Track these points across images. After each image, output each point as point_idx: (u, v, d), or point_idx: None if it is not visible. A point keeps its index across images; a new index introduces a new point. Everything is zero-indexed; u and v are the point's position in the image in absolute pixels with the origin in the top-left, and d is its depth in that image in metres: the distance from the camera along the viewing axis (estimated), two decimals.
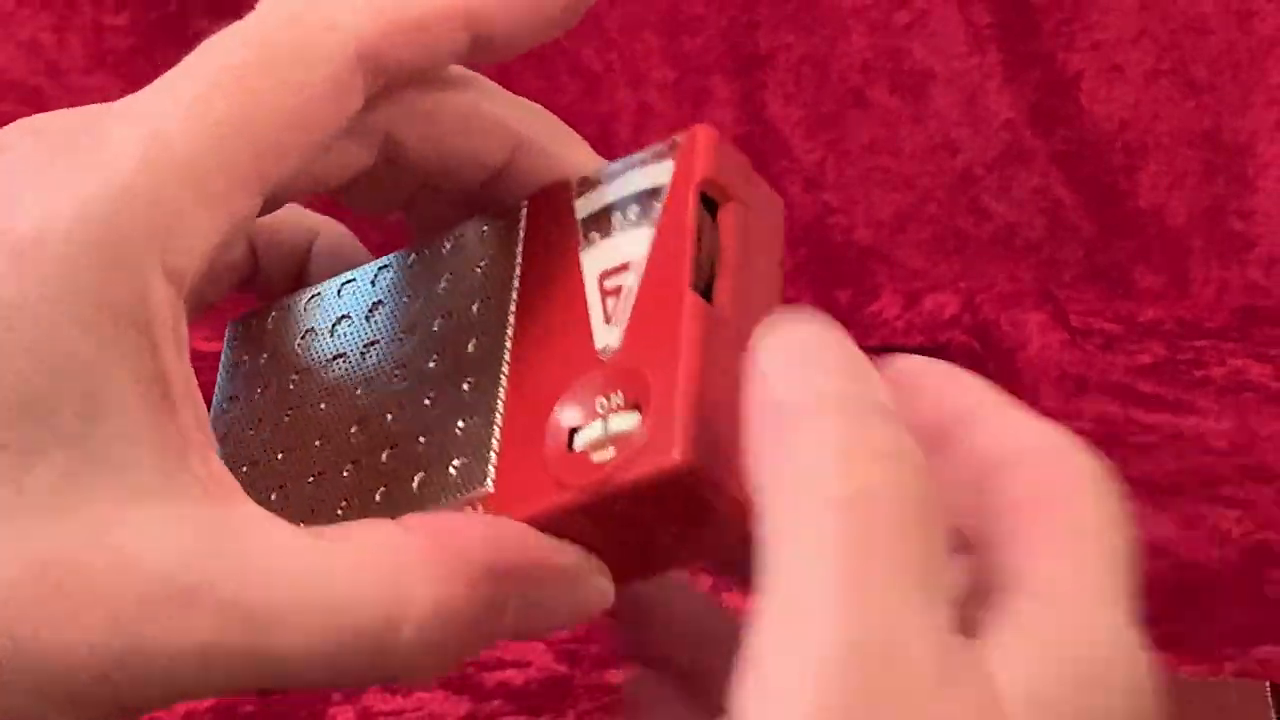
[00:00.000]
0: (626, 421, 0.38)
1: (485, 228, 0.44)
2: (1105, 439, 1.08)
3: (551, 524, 0.39)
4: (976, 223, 1.26)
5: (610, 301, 0.40)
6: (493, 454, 0.40)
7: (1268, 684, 0.75)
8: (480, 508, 0.40)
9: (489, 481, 0.40)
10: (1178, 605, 0.88)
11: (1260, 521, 0.95)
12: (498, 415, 0.41)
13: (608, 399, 0.39)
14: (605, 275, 0.41)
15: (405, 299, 0.44)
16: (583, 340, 0.40)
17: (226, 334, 0.46)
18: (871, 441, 0.34)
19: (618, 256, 0.41)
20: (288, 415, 0.44)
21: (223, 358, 0.46)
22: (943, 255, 1.25)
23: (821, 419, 0.34)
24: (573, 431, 0.39)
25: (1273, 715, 0.74)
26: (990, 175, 1.26)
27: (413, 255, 0.44)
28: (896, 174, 1.26)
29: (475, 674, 0.80)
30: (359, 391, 0.43)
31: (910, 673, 0.32)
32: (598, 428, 0.39)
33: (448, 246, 0.44)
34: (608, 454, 0.38)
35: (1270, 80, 1.25)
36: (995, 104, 1.26)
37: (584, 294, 0.41)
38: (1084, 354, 1.16)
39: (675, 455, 0.37)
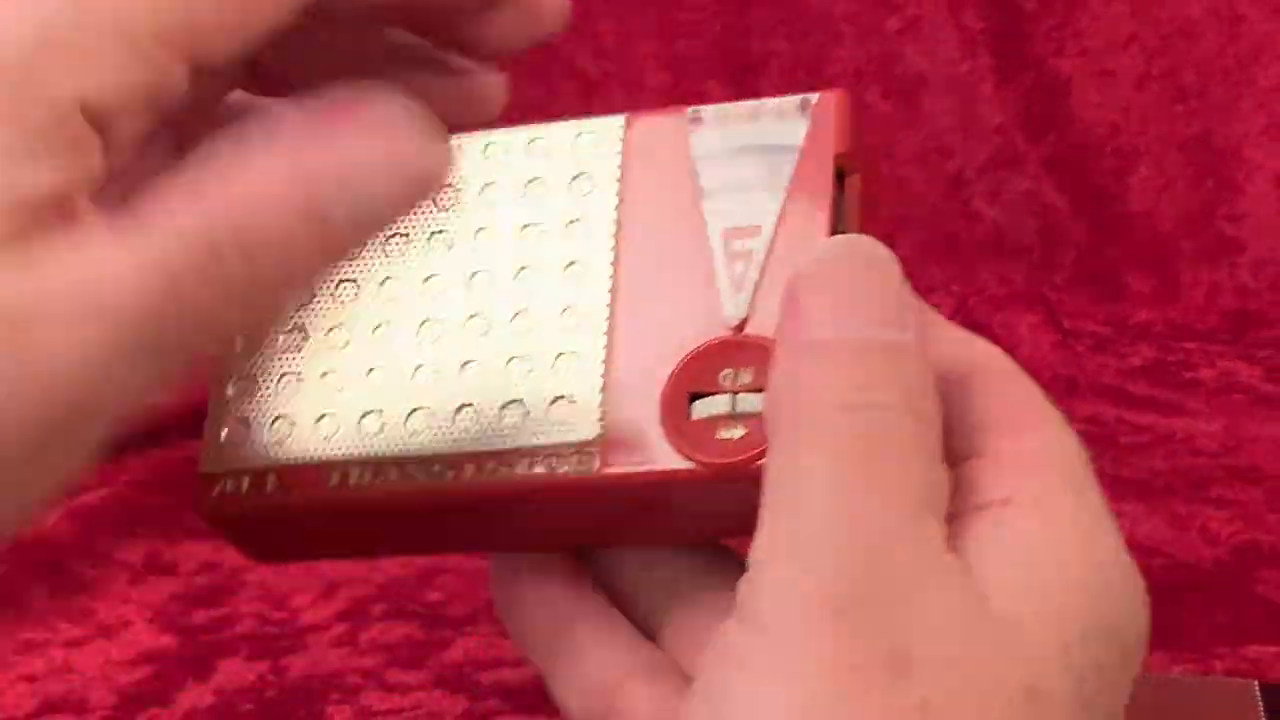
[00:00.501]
0: (757, 403, 0.38)
1: (578, 135, 0.41)
2: (1097, 440, 1.08)
3: (664, 488, 0.38)
4: (968, 226, 1.26)
5: (738, 266, 0.39)
6: (600, 398, 0.39)
7: (1256, 683, 0.75)
8: (594, 455, 0.39)
9: (597, 427, 0.39)
10: (1168, 604, 0.88)
11: (1250, 522, 0.95)
12: (602, 356, 0.39)
13: (734, 373, 0.38)
14: (730, 234, 0.39)
15: (477, 194, 0.42)
16: (707, 302, 0.39)
17: None
18: (882, 371, 0.36)
19: (746, 217, 0.39)
20: (338, 290, 0.41)
21: None
22: (935, 258, 1.25)
23: (838, 353, 0.36)
24: (692, 396, 0.38)
25: (1261, 713, 0.74)
26: (982, 179, 1.26)
27: (486, 140, 0.42)
28: (889, 178, 1.26)
29: (472, 673, 0.80)
30: (421, 286, 0.41)
31: (895, 575, 0.34)
32: (724, 403, 0.38)
33: (528, 144, 0.42)
34: (735, 433, 0.38)
35: (1258, 85, 1.25)
36: (987, 109, 1.26)
37: (707, 249, 0.40)
38: (1075, 356, 1.16)
39: None
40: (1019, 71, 1.26)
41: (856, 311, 0.36)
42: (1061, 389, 1.12)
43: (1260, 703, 0.75)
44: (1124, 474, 1.00)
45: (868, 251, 0.37)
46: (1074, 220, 1.25)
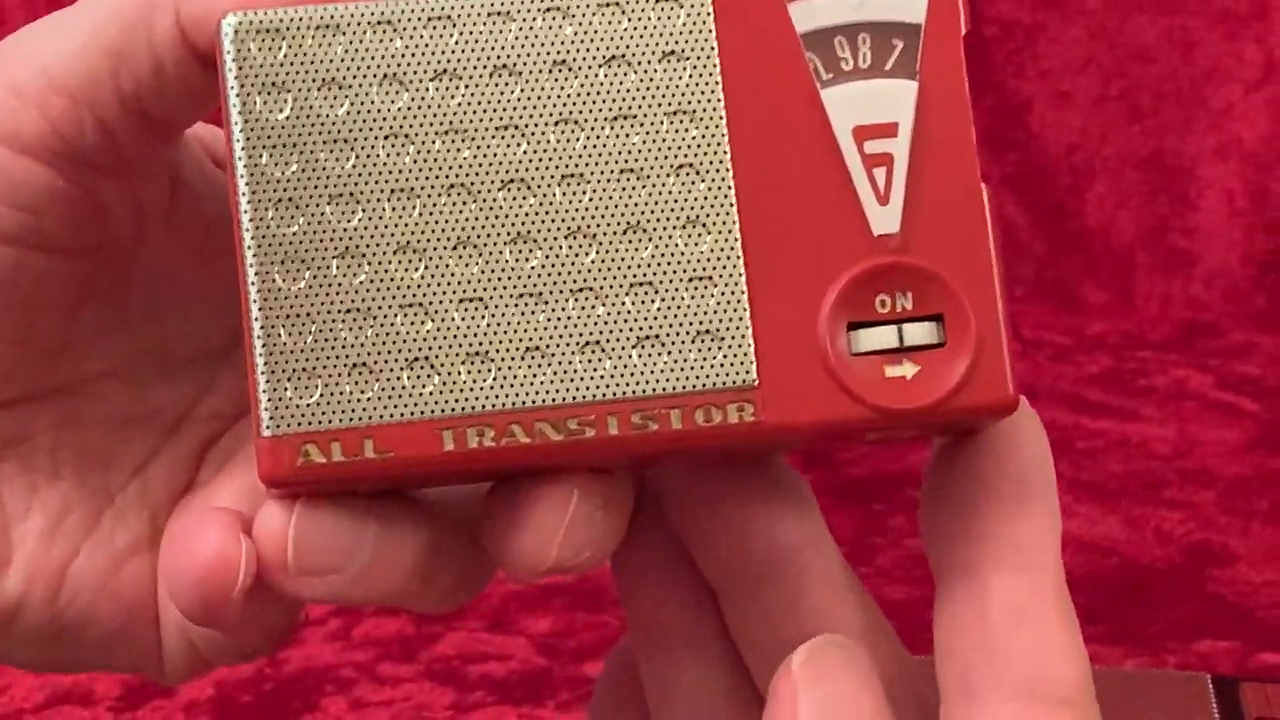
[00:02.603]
0: (925, 334, 0.33)
1: (657, 2, 0.33)
2: (1055, 445, 1.07)
3: (832, 431, 0.33)
4: None
5: (878, 173, 0.33)
6: (750, 332, 0.33)
7: (1208, 676, 0.76)
8: (755, 401, 0.33)
9: (753, 369, 0.33)
10: (1123, 602, 0.89)
11: (1201, 522, 0.95)
12: (742, 281, 0.33)
13: (891, 298, 0.33)
14: (864, 134, 0.33)
15: (545, 73, 0.33)
16: (852, 218, 0.33)
17: (223, 34, 0.33)
18: None
19: (878, 111, 0.33)
20: (394, 201, 0.33)
21: (228, 69, 0.33)
22: None
23: None
24: (849, 327, 0.33)
25: (1213, 706, 0.74)
26: None
27: (538, 6, 0.33)
28: None
29: (461, 666, 0.80)
30: (500, 194, 0.33)
31: None
32: (889, 335, 0.33)
33: (599, 8, 0.33)
34: (907, 371, 0.33)
35: (1210, 106, 1.26)
36: None
37: (839, 153, 0.33)
38: (1035, 364, 1.16)
39: (1009, 391, 0.34)
40: (981, 93, 1.26)
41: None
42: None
43: (1212, 695, 0.75)
44: (1081, 477, 1.01)
45: (858, 662, 0.35)
46: (1033, 235, 1.26)
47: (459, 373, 0.33)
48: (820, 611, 0.37)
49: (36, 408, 0.39)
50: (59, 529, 0.39)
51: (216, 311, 0.40)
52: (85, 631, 0.39)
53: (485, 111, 0.33)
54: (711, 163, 0.33)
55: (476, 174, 0.33)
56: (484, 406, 0.33)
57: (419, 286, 0.33)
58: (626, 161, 0.33)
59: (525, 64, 0.33)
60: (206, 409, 0.41)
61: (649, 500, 0.38)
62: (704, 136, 0.33)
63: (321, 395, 0.33)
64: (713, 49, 0.33)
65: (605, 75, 0.33)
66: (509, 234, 0.33)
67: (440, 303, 0.33)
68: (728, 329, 0.33)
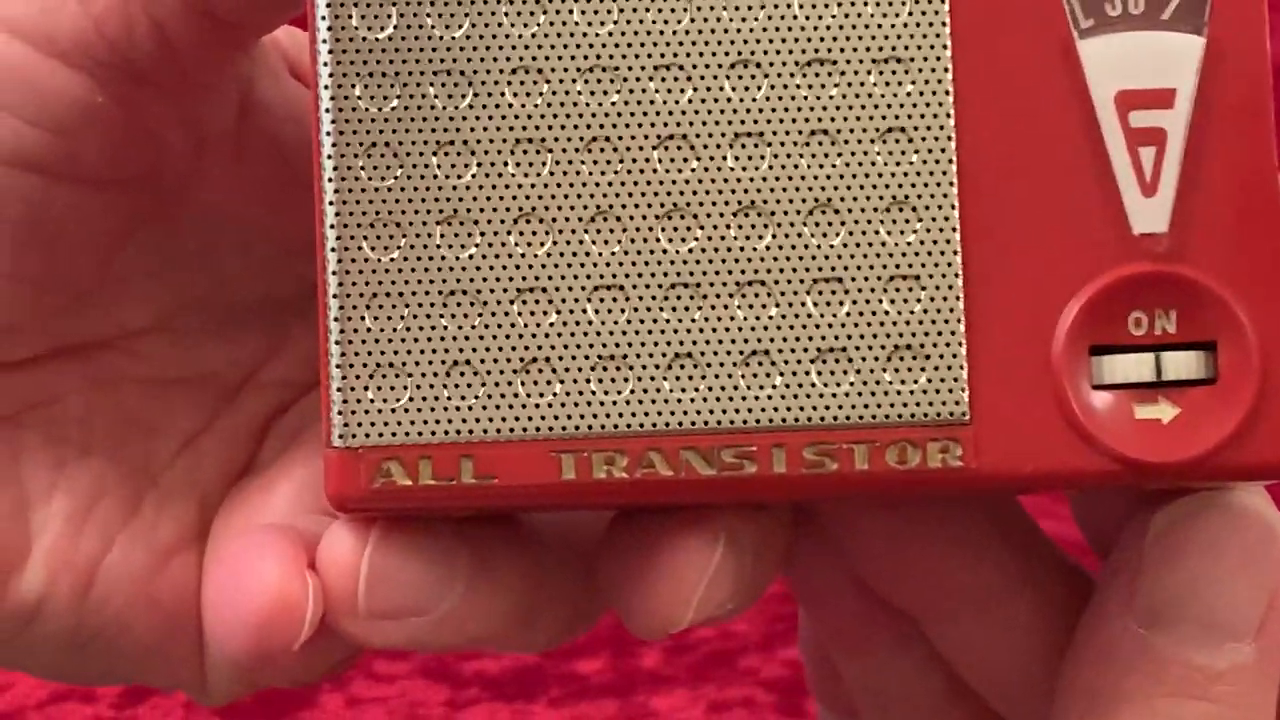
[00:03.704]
0: (1191, 366, 0.26)
1: None
2: None
3: (1057, 484, 0.27)
4: None
5: (1145, 155, 0.26)
6: (963, 352, 0.26)
7: None
8: (964, 441, 0.26)
9: (965, 400, 0.26)
10: None
11: None
12: (958, 283, 0.26)
13: (1149, 316, 0.26)
14: (1130, 102, 0.26)
15: (721, 0, 0.26)
16: (1106, 210, 0.26)
17: None
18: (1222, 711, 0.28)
19: (1150, 74, 0.26)
20: (519, 154, 0.26)
21: None
22: None
23: (1168, 671, 0.28)
24: (1092, 351, 0.26)
25: None
26: None
27: None
28: None
29: (454, 662, 0.81)
30: (655, 154, 0.26)
31: None
32: (1144, 365, 0.26)
33: None
34: (1162, 412, 0.26)
35: None
36: None
37: (1095, 125, 0.26)
38: None
39: None
40: None
41: (1213, 619, 0.27)
42: None
43: None
44: None
45: (1254, 529, 0.28)
46: None
47: (587, 380, 0.26)
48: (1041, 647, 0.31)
49: (64, 366, 0.32)
50: (90, 515, 0.32)
51: (288, 255, 0.33)
52: (118, 641, 0.32)
53: (641, 45, 0.26)
54: (929, 127, 0.26)
55: (626, 126, 0.26)
56: (616, 426, 0.26)
57: (543, 267, 0.26)
58: (820, 120, 0.26)
59: None
60: (273, 373, 0.34)
61: (811, 513, 0.32)
62: (921, 93, 0.26)
63: (411, 399, 0.26)
64: None
65: (798, 6, 0.26)
66: (662, 206, 0.26)
67: (569, 289, 0.26)
68: (935, 345, 0.26)
